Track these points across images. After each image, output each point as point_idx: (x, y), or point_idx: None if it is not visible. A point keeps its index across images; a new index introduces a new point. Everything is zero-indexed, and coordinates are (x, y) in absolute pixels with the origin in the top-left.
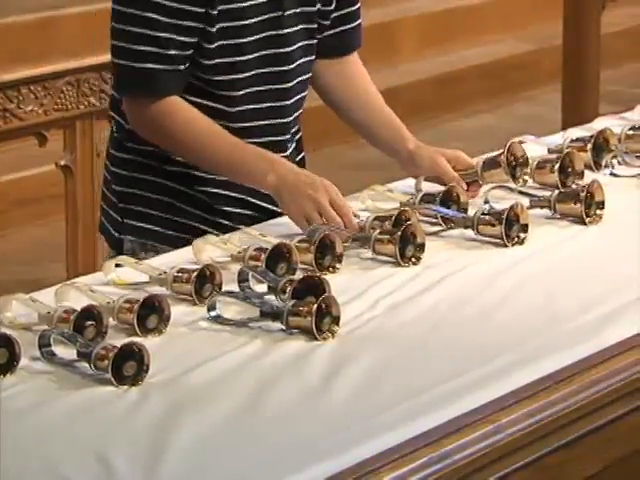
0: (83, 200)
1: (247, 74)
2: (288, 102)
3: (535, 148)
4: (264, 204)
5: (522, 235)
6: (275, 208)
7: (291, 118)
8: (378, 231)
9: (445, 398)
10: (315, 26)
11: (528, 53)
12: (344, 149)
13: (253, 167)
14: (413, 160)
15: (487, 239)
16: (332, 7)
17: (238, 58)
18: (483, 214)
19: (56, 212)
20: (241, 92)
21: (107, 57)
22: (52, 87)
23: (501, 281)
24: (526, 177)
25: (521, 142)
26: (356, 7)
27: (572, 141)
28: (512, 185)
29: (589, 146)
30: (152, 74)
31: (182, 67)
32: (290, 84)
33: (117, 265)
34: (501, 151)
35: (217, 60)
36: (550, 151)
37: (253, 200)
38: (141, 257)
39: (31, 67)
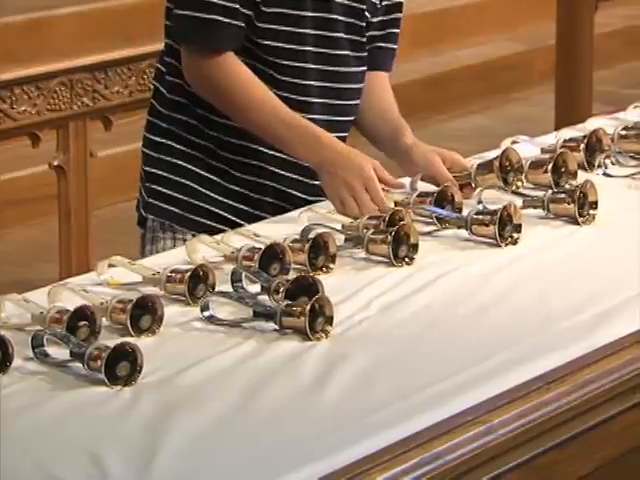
0: (76, 200)
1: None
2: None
3: (528, 148)
4: (291, 190)
5: (515, 235)
6: (301, 194)
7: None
8: (371, 231)
9: (437, 398)
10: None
11: (520, 53)
12: None
13: (302, 142)
14: (409, 156)
15: (481, 239)
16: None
17: (287, 28)
18: (477, 214)
19: (49, 212)
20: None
21: (100, 57)
22: (45, 87)
23: (494, 281)
24: (519, 183)
25: (514, 142)
26: (397, 30)
27: (565, 141)
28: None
29: (582, 146)
30: (217, 25)
31: (243, 24)
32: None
33: (110, 265)
34: (496, 155)
35: (269, 25)
36: (543, 151)
37: (279, 187)
38: (159, 237)
39: (24, 67)
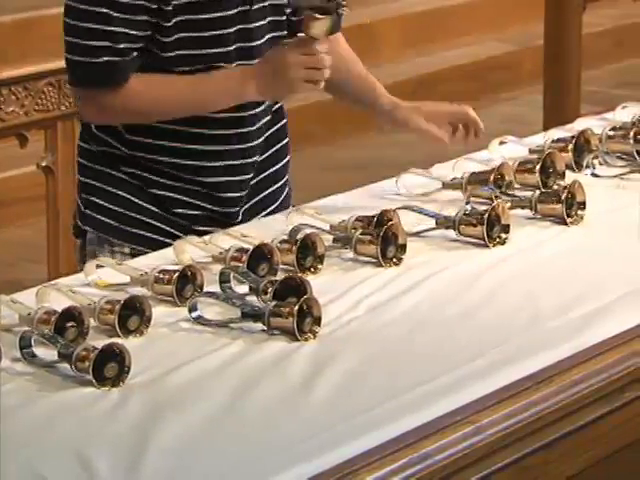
0: (64, 201)
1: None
2: None
3: (516, 149)
4: (217, 208)
5: (503, 235)
6: (229, 210)
7: (261, 108)
8: (360, 231)
9: (426, 398)
10: (284, 18)
11: (509, 54)
12: (326, 150)
13: (227, 90)
14: (393, 117)
15: (469, 239)
16: None
17: (199, 51)
18: (465, 214)
19: (37, 213)
20: None
21: None
22: (33, 88)
23: (482, 281)
24: (507, 198)
25: (502, 142)
26: None
27: (553, 141)
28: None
29: (570, 146)
30: (107, 67)
31: (135, 54)
32: None
33: (98, 266)
34: (491, 169)
35: (176, 52)
36: (531, 152)
37: (205, 205)
38: (99, 250)
39: (12, 68)
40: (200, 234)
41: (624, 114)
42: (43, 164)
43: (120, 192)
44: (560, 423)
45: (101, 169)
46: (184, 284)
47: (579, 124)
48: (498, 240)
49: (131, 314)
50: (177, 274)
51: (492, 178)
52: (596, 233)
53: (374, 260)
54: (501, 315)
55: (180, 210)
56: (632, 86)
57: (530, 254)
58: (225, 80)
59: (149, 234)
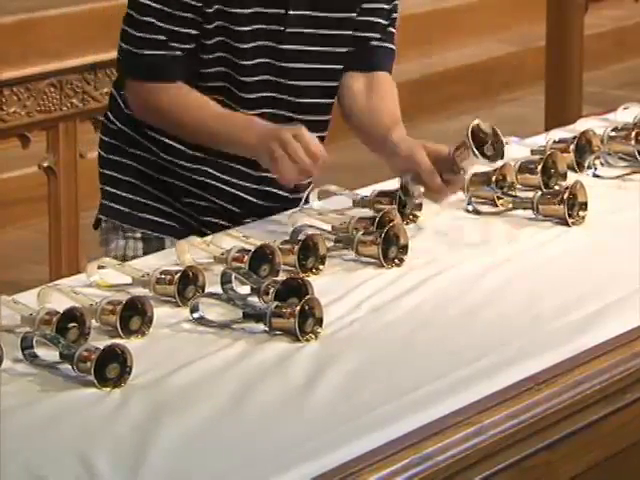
0: (66, 202)
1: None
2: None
3: (518, 149)
4: (228, 205)
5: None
6: (234, 209)
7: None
8: (361, 232)
9: (428, 399)
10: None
11: (511, 55)
12: (325, 150)
13: (237, 137)
14: (395, 150)
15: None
16: (375, 20)
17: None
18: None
19: (39, 214)
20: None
21: (90, 58)
22: (35, 89)
23: (484, 282)
24: (509, 199)
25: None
26: (393, 30)
27: (555, 142)
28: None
29: (572, 147)
30: (153, 61)
31: (180, 53)
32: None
33: (100, 267)
34: (493, 169)
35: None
36: (533, 152)
37: (216, 200)
38: (112, 238)
39: (14, 69)
40: (209, 225)
41: (626, 115)
42: (45, 165)
43: (130, 179)
44: (562, 424)
45: (115, 158)
46: (186, 285)
47: (581, 125)
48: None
49: (133, 315)
50: (179, 275)
51: (494, 179)
52: (598, 234)
53: (376, 261)
54: (503, 316)
55: (189, 200)
56: (634, 87)
57: (532, 255)
58: (241, 131)
59: (158, 218)
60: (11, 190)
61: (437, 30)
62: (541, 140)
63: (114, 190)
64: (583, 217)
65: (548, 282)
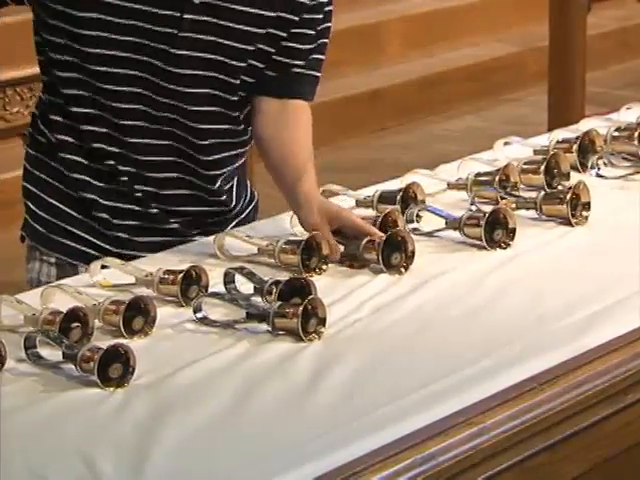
0: None
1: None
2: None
3: (521, 149)
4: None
5: (508, 241)
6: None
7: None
8: (366, 240)
9: (430, 400)
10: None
11: (513, 54)
12: (326, 151)
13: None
14: (299, 213)
15: (473, 241)
16: (300, 46)
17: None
18: (468, 216)
19: None
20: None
21: None
22: (38, 89)
23: (487, 282)
24: (512, 199)
25: (507, 143)
26: (322, 57)
27: (558, 142)
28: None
29: (575, 147)
30: None
31: None
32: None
33: (103, 266)
34: (498, 169)
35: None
36: (536, 152)
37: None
38: (30, 257)
39: (17, 69)
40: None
41: (629, 115)
42: None
43: (47, 197)
44: (564, 424)
45: (35, 173)
46: (189, 285)
47: (584, 125)
48: (503, 245)
49: (136, 315)
50: (182, 275)
51: (497, 179)
52: (601, 234)
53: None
54: (505, 316)
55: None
56: (637, 87)
57: (535, 255)
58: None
59: (72, 243)
60: (14, 190)
61: (439, 30)
62: (544, 140)
63: (34, 207)
64: (586, 217)
65: (551, 282)
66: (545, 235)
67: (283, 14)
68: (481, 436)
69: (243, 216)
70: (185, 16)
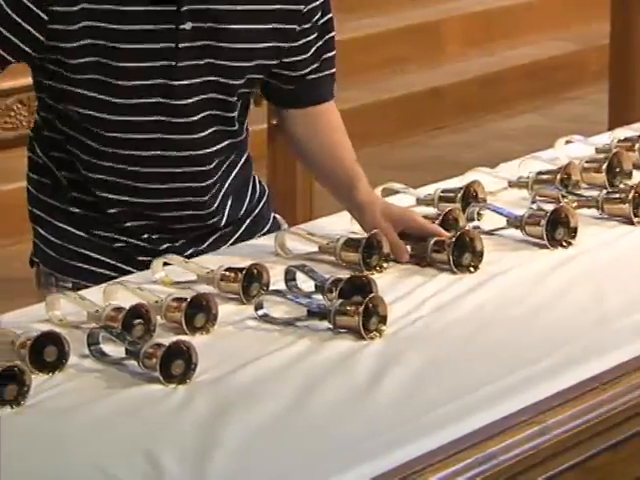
0: None
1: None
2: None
3: (582, 148)
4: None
5: (569, 240)
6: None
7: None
8: (433, 240)
9: (491, 399)
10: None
11: (573, 53)
12: (386, 149)
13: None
14: (361, 217)
15: (534, 240)
16: (307, 55)
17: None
18: (529, 215)
19: None
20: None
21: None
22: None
23: (549, 281)
24: (573, 198)
25: (568, 142)
26: (332, 53)
27: (620, 141)
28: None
29: (637, 146)
30: None
31: None
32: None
33: (165, 264)
34: (558, 168)
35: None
36: (598, 151)
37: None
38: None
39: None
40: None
41: None
42: None
43: (58, 222)
44: (627, 424)
45: (43, 198)
46: (250, 282)
47: None
48: (564, 244)
49: (197, 312)
50: (243, 272)
51: (558, 177)
52: None
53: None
54: (567, 315)
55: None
56: None
57: (596, 254)
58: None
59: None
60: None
61: (499, 28)
62: (605, 139)
63: (44, 232)
64: None
65: (612, 281)
66: (607, 234)
67: (281, 25)
68: (542, 435)
69: (257, 211)
70: (180, 45)
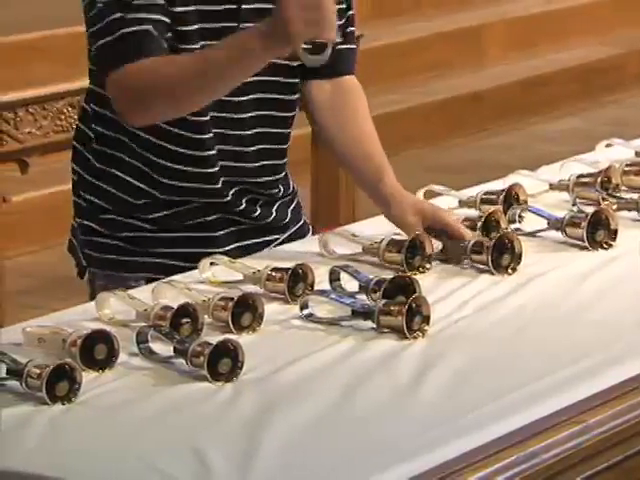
0: None
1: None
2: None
3: (623, 151)
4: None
5: (610, 242)
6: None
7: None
8: (473, 241)
9: (532, 398)
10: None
11: (614, 57)
12: (429, 152)
13: (230, 47)
14: (388, 209)
15: (575, 241)
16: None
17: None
18: (571, 217)
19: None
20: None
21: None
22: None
23: (589, 283)
24: (613, 200)
25: (609, 145)
26: (353, 29)
27: None
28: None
29: None
30: (128, 39)
31: (151, 27)
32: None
33: (212, 263)
34: (599, 171)
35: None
36: (638, 154)
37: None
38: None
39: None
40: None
41: None
42: None
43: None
44: None
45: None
46: (295, 282)
47: None
48: (604, 246)
49: (244, 311)
50: (289, 272)
51: (599, 180)
52: None
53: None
54: (608, 316)
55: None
56: None
57: (636, 256)
58: (228, 41)
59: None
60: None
61: (541, 32)
62: None
63: (101, 240)
64: None
65: None
66: None
67: None
68: (583, 435)
69: (294, 205)
70: None
